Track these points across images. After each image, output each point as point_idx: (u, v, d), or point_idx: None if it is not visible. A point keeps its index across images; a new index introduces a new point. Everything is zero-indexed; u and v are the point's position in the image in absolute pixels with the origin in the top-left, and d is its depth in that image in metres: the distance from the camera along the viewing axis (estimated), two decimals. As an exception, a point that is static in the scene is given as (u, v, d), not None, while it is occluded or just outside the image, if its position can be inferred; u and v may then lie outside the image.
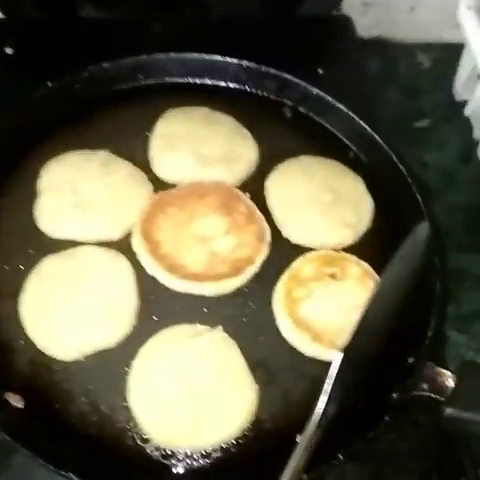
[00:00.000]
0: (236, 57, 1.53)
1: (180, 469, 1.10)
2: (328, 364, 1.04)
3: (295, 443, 1.11)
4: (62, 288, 1.21)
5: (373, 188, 1.42)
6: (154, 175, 1.39)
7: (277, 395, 1.17)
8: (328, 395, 1.01)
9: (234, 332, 1.20)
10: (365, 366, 1.07)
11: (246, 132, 1.46)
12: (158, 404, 1.12)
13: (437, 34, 1.92)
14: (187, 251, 1.27)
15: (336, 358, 1.03)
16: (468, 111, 1.76)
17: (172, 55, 1.53)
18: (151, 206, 1.31)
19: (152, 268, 1.25)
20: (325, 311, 1.22)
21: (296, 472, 0.97)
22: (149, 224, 1.29)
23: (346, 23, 1.89)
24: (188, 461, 1.11)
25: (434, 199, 1.58)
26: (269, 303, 1.25)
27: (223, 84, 1.55)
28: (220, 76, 1.54)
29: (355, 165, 1.45)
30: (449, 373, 1.10)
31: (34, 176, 1.35)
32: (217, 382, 1.14)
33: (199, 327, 1.20)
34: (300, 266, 1.27)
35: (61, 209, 1.30)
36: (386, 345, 1.10)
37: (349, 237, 1.34)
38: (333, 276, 1.26)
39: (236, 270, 1.26)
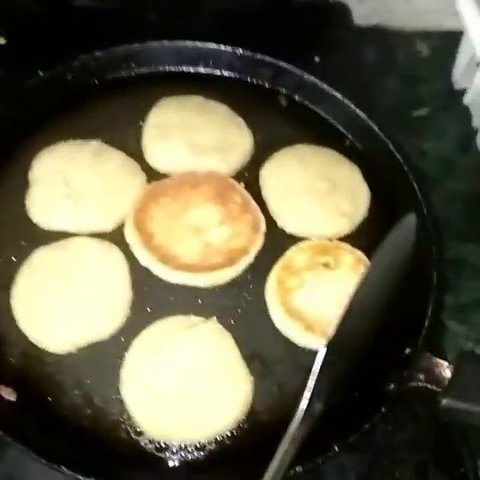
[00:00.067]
0: (231, 45, 1.51)
1: (175, 462, 1.09)
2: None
3: None
4: (54, 280, 1.20)
5: (369, 177, 1.40)
6: (147, 165, 1.37)
7: (272, 387, 1.16)
8: (311, 392, 1.00)
9: (229, 323, 1.20)
10: (353, 359, 1.06)
11: (241, 121, 1.44)
12: (152, 396, 1.11)
13: (436, 22, 1.91)
14: (181, 242, 1.25)
15: (319, 352, 1.02)
16: (467, 99, 1.75)
17: (165, 43, 1.51)
18: (144, 196, 1.30)
19: (145, 259, 1.24)
20: (318, 301, 1.21)
21: (280, 470, 0.96)
22: (142, 214, 1.27)
23: (343, 11, 1.88)
24: (182, 454, 1.10)
25: (433, 188, 1.57)
26: (264, 294, 1.24)
27: (217, 72, 1.53)
28: (214, 64, 1.52)
29: (351, 154, 1.44)
30: (446, 363, 1.09)
31: (26, 167, 1.33)
32: (212, 374, 1.13)
33: (193, 318, 1.19)
34: (293, 255, 1.26)
35: (53, 200, 1.28)
36: (377, 338, 1.08)
37: (345, 226, 1.32)
38: (326, 265, 1.25)
39: (231, 261, 1.24)
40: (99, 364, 1.15)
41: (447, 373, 1.07)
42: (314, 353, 1.15)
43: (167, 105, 1.44)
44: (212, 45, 1.51)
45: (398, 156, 1.37)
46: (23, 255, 1.23)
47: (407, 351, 1.15)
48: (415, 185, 1.33)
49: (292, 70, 1.49)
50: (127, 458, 1.09)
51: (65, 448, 1.07)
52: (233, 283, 1.25)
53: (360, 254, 1.27)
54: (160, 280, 1.23)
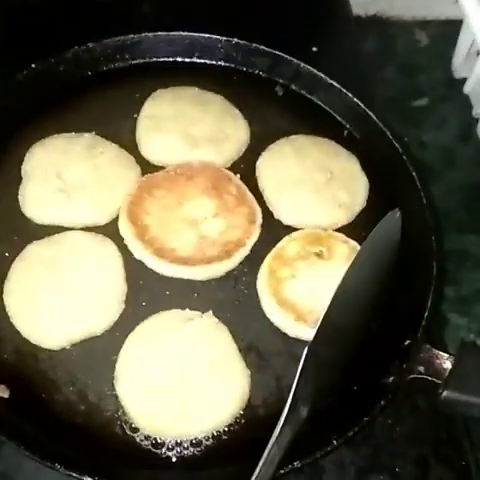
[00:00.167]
0: (227, 36, 1.50)
1: (171, 458, 1.08)
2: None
3: None
4: (48, 275, 1.19)
5: (368, 167, 1.39)
6: (142, 157, 1.36)
7: (270, 380, 1.15)
8: (293, 396, 1.00)
9: (225, 317, 1.18)
10: (343, 358, 1.05)
11: (236, 112, 1.43)
12: (147, 392, 1.10)
13: (435, 11, 1.91)
14: (176, 234, 1.24)
15: (302, 357, 1.01)
16: (467, 88, 1.73)
17: (160, 34, 1.49)
18: (138, 189, 1.28)
19: (140, 252, 1.23)
20: (311, 291, 1.19)
21: (266, 475, 0.96)
22: (136, 207, 1.26)
23: (341, 0, 1.85)
24: (179, 450, 1.09)
25: (433, 179, 1.56)
26: (259, 286, 1.23)
27: (213, 63, 1.52)
28: (209, 55, 1.51)
29: (349, 143, 1.42)
30: (446, 355, 1.08)
31: (18, 160, 1.32)
32: (208, 368, 1.12)
33: (189, 312, 1.18)
34: (285, 245, 1.25)
35: (46, 194, 1.27)
36: (371, 333, 1.08)
37: (343, 217, 1.31)
38: (319, 255, 1.24)
39: (226, 253, 1.23)
40: (93, 360, 1.14)
41: (447, 365, 1.07)
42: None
43: (162, 97, 1.43)
44: (207, 35, 1.50)
45: (397, 145, 1.36)
46: (16, 250, 1.22)
47: (407, 343, 1.13)
48: (414, 174, 1.31)
49: (288, 59, 1.48)
50: (122, 455, 1.08)
51: (59, 445, 1.06)
52: (229, 276, 1.24)
53: (354, 244, 1.25)
54: (155, 273, 1.22)
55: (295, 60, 1.47)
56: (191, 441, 1.09)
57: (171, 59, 1.52)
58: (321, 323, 1.06)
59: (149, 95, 1.43)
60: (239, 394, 1.11)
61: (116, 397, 1.11)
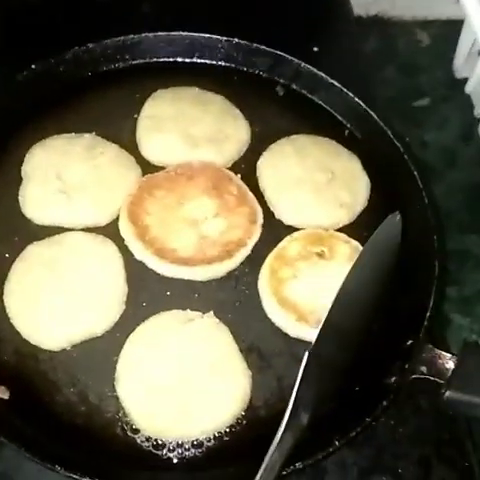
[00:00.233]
0: (227, 36, 1.49)
1: (172, 460, 1.07)
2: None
3: None
4: (48, 276, 1.18)
5: (369, 166, 1.38)
6: (142, 158, 1.36)
7: (271, 381, 1.15)
8: (294, 402, 0.98)
9: (226, 317, 1.18)
10: (345, 362, 1.04)
11: (237, 112, 1.42)
12: (148, 393, 1.09)
13: (436, 11, 1.90)
14: (176, 235, 1.24)
15: (303, 359, 1.00)
16: (468, 88, 1.73)
17: (160, 34, 1.49)
18: (138, 189, 1.28)
19: (140, 253, 1.22)
20: (312, 291, 1.19)
21: None
22: (136, 208, 1.25)
23: (342, 0, 1.85)
24: (180, 451, 1.08)
25: (434, 179, 1.56)
26: (260, 286, 1.23)
27: (213, 63, 1.51)
28: (210, 55, 1.50)
29: (350, 143, 1.42)
30: (449, 355, 1.07)
31: (18, 161, 1.32)
32: (209, 369, 1.11)
33: (190, 313, 1.18)
34: (286, 245, 1.24)
35: (46, 195, 1.27)
36: (373, 334, 1.06)
37: (344, 217, 1.31)
38: (321, 255, 1.23)
39: (227, 253, 1.22)
40: (94, 361, 1.14)
41: (450, 365, 1.06)
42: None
43: (162, 97, 1.43)
44: (207, 35, 1.49)
45: (398, 144, 1.35)
46: (16, 251, 1.21)
47: (409, 343, 1.13)
48: (416, 173, 1.30)
49: (289, 59, 1.47)
50: (123, 456, 1.07)
51: (60, 447, 1.05)
52: (230, 276, 1.23)
53: (356, 244, 1.25)
54: (155, 274, 1.22)
55: (296, 60, 1.47)
56: (192, 442, 1.08)
57: (171, 59, 1.51)
58: (323, 326, 1.05)
59: (149, 95, 1.43)
60: (240, 395, 1.11)
61: (117, 398, 1.10)
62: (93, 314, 1.16)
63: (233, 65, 1.51)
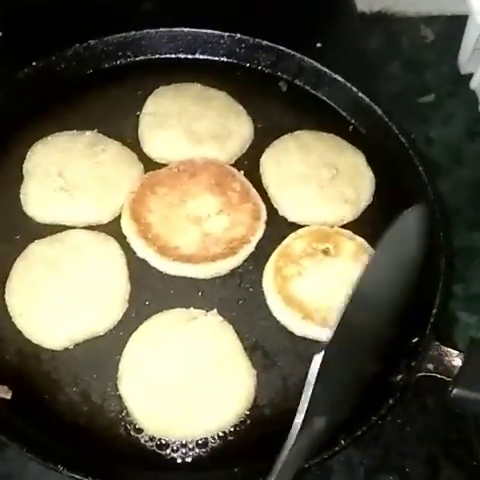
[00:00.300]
0: (230, 32, 1.48)
1: (176, 459, 1.06)
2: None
3: None
4: (50, 274, 1.17)
5: (373, 162, 1.37)
6: (144, 155, 1.35)
7: (276, 379, 1.14)
8: (307, 406, 0.88)
9: (230, 315, 1.17)
10: (361, 361, 0.98)
11: (240, 108, 1.42)
12: (151, 392, 1.08)
13: (440, 6, 1.89)
14: (179, 232, 1.23)
15: (312, 367, 0.90)
16: (474, 84, 1.72)
17: (162, 30, 1.48)
18: (140, 187, 1.27)
19: (143, 251, 1.21)
20: (318, 288, 1.18)
21: None
22: (139, 205, 1.25)
23: (346, -4, 1.85)
24: (184, 451, 1.07)
25: (440, 175, 1.54)
26: (265, 284, 1.22)
27: (215, 59, 1.50)
28: (212, 51, 1.50)
29: (354, 139, 1.41)
30: (456, 352, 1.07)
31: (20, 159, 1.31)
32: (213, 367, 1.10)
33: (193, 311, 1.17)
34: (291, 242, 1.23)
35: (48, 193, 1.26)
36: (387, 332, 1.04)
37: (349, 213, 1.30)
38: (326, 252, 1.22)
39: (231, 251, 1.21)
40: (96, 360, 1.13)
41: (457, 362, 1.05)
42: (318, 344, 1.13)
43: (164, 93, 1.42)
44: (209, 31, 1.48)
45: (403, 139, 1.34)
46: (18, 249, 1.21)
47: (415, 340, 1.12)
48: (421, 169, 1.29)
49: (292, 54, 1.46)
50: (126, 456, 1.06)
51: (62, 447, 1.05)
52: (234, 274, 1.23)
53: (361, 241, 1.24)
54: (158, 272, 1.21)
55: (298, 55, 1.46)
56: (196, 442, 1.07)
57: (173, 56, 1.51)
58: (338, 324, 1.01)
59: (151, 92, 1.42)
60: (244, 394, 1.10)
61: (120, 397, 1.09)
62: (95, 313, 1.15)
63: (236, 61, 1.50)
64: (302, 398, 0.89)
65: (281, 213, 1.29)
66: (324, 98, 1.47)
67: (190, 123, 1.36)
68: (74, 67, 1.44)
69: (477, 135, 1.66)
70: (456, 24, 1.74)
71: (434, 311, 1.14)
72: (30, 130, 1.34)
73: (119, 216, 1.25)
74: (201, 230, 1.23)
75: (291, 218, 1.29)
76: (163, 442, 1.07)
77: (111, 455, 1.06)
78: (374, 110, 1.39)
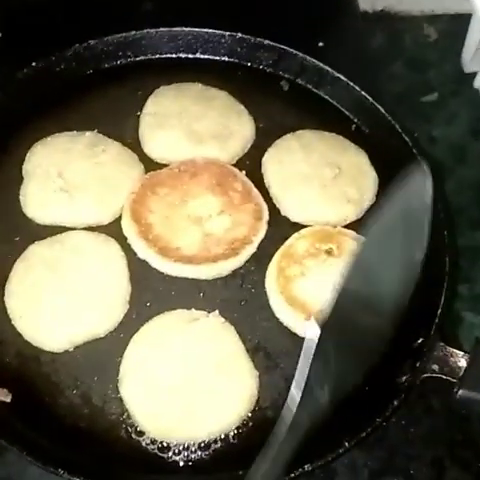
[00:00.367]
0: (231, 31, 1.48)
1: (178, 462, 1.05)
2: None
3: None
4: (50, 276, 1.17)
5: (376, 161, 1.36)
6: (145, 155, 1.34)
7: (278, 381, 1.13)
8: (305, 383, 0.86)
9: (232, 316, 1.16)
10: (362, 343, 0.93)
11: (241, 107, 1.41)
12: (152, 394, 1.08)
13: (443, 5, 1.88)
14: (180, 233, 1.22)
15: (311, 331, 0.86)
16: (477, 83, 1.72)
17: (162, 30, 1.48)
18: (141, 187, 1.26)
19: (144, 252, 1.20)
20: (321, 289, 1.16)
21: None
22: (139, 206, 1.24)
23: (347, -4, 1.84)
24: (186, 453, 1.06)
25: (444, 175, 1.53)
26: (267, 284, 1.21)
27: (216, 58, 1.50)
28: (213, 50, 1.49)
29: (357, 138, 1.40)
30: (461, 353, 1.06)
31: (20, 160, 1.30)
32: (215, 369, 1.10)
33: (195, 312, 1.16)
34: (293, 243, 1.22)
35: (47, 194, 1.25)
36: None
37: (352, 213, 1.29)
38: (329, 252, 1.21)
39: (232, 251, 1.21)
40: (97, 362, 1.12)
41: (462, 363, 1.05)
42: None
43: (165, 93, 1.41)
44: (210, 30, 1.48)
45: (406, 138, 1.34)
46: (18, 251, 1.20)
47: (420, 341, 1.11)
48: (425, 168, 1.28)
49: (293, 53, 1.46)
50: (128, 459, 1.05)
51: (63, 450, 1.04)
52: (236, 274, 1.22)
53: (364, 240, 1.22)
54: (159, 273, 1.20)
55: (300, 54, 1.45)
56: (199, 444, 1.06)
57: (174, 55, 1.50)
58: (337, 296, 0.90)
59: (152, 92, 1.41)
60: (247, 396, 1.09)
61: (121, 400, 1.09)
62: (96, 314, 1.14)
63: (237, 60, 1.49)
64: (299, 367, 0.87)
65: (283, 213, 1.29)
66: (326, 97, 1.46)
67: (191, 123, 1.35)
68: (74, 67, 1.43)
69: (481, 134, 1.65)
70: (459, 23, 1.73)
71: (439, 311, 1.13)
72: (30, 131, 1.34)
73: (120, 217, 1.25)
74: (202, 231, 1.22)
75: (293, 218, 1.28)
76: (165, 445, 1.06)
77: (112, 458, 1.05)
78: (377, 109, 1.38)
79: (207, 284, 1.20)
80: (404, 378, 1.07)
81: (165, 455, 1.06)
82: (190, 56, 1.50)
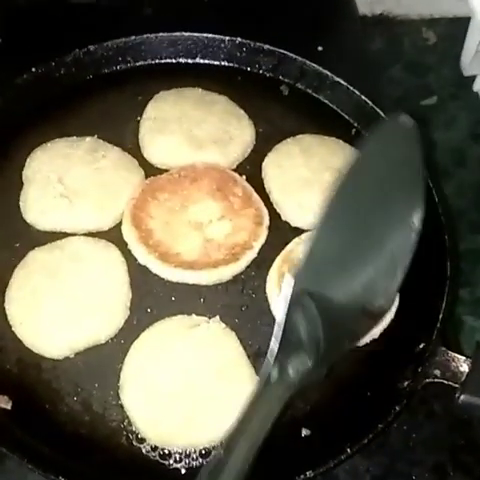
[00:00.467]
0: (230, 36, 1.48)
1: (180, 470, 1.05)
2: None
3: (300, 437, 1.06)
4: (50, 282, 1.16)
5: (377, 166, 1.35)
6: (145, 160, 1.34)
7: (280, 387, 1.12)
8: (276, 342, 0.88)
9: (232, 322, 1.16)
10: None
11: (241, 112, 1.40)
12: (153, 401, 1.07)
13: (442, 8, 1.89)
14: (181, 238, 1.21)
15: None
16: (476, 86, 1.73)
17: (162, 35, 1.47)
18: (141, 192, 1.26)
19: (144, 257, 1.20)
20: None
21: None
22: (139, 212, 1.23)
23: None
24: (187, 461, 1.05)
25: (444, 178, 1.54)
26: (268, 290, 1.20)
27: (216, 63, 1.49)
28: (213, 55, 1.49)
29: (357, 142, 1.37)
30: (463, 358, 1.06)
31: (19, 166, 1.30)
32: (216, 375, 1.09)
33: (195, 318, 1.15)
34: (294, 248, 1.21)
35: (47, 199, 1.24)
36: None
37: (352, 218, 1.27)
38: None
39: (233, 256, 1.20)
40: (98, 369, 1.12)
41: (464, 367, 1.04)
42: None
43: (165, 98, 1.41)
44: (210, 35, 1.48)
45: (406, 142, 1.32)
46: (18, 257, 1.19)
47: (421, 346, 1.11)
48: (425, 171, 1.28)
49: (293, 58, 1.45)
50: (128, 466, 1.04)
51: (63, 457, 1.03)
52: (236, 280, 1.21)
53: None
54: (160, 279, 1.19)
55: (300, 58, 1.45)
56: (200, 451, 1.06)
57: (174, 60, 1.50)
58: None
59: (152, 97, 1.41)
60: (248, 402, 1.08)
61: (121, 407, 1.08)
62: (96, 321, 1.13)
63: (237, 65, 1.49)
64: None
65: (284, 218, 1.28)
66: (326, 102, 1.45)
67: (191, 128, 1.35)
68: (74, 73, 1.43)
69: (480, 137, 1.66)
70: (458, 26, 1.74)
71: (440, 316, 1.12)
72: (30, 136, 1.33)
73: (120, 223, 1.24)
74: (203, 236, 1.22)
75: (294, 223, 1.27)
76: (166, 452, 1.05)
77: (113, 465, 1.04)
78: (377, 113, 1.37)
79: (208, 290, 1.19)
80: (406, 383, 1.07)
81: (166, 462, 1.05)
82: (190, 61, 1.50)
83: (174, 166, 1.31)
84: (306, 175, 1.31)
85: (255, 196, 1.28)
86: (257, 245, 1.22)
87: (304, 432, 1.07)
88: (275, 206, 1.29)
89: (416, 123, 1.40)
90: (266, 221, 1.26)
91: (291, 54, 1.46)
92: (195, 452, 1.05)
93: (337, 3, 1.84)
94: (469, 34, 1.68)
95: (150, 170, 1.32)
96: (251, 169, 1.34)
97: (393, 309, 1.14)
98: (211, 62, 1.49)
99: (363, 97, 1.40)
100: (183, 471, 1.04)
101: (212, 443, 1.05)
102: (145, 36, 1.47)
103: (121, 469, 1.04)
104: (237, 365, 1.11)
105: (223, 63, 1.49)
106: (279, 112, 1.43)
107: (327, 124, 1.42)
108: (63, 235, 1.22)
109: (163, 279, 1.19)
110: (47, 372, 1.11)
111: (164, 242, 1.20)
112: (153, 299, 1.18)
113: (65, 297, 1.14)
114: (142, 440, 1.06)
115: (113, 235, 1.23)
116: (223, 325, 1.14)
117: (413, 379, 1.06)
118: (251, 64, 1.48)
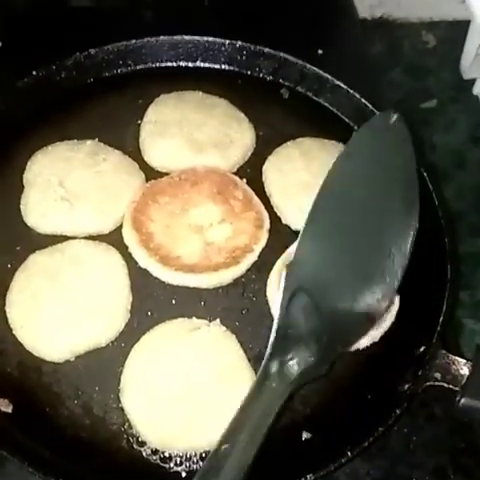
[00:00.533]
0: (231, 39, 1.48)
1: (181, 473, 1.05)
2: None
3: (301, 441, 1.06)
4: (51, 285, 1.16)
5: (377, 169, 1.35)
6: (146, 164, 1.34)
7: (280, 390, 1.12)
8: (274, 336, 0.89)
9: (233, 325, 1.16)
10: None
11: (242, 115, 1.40)
12: (154, 404, 1.07)
13: (442, 12, 1.90)
14: (181, 242, 1.21)
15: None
16: (477, 89, 1.73)
17: (162, 38, 1.47)
18: (142, 196, 1.26)
19: (145, 261, 1.20)
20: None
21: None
22: (140, 215, 1.23)
23: (346, 3, 1.84)
24: (188, 464, 1.05)
25: (444, 182, 1.54)
26: (268, 293, 1.20)
27: (217, 67, 1.50)
28: (213, 58, 1.49)
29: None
30: (463, 361, 1.06)
31: (20, 169, 1.30)
32: (216, 378, 1.09)
33: (196, 321, 1.15)
34: (295, 251, 1.21)
35: (48, 203, 1.24)
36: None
37: (352, 221, 1.27)
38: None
39: (233, 260, 1.20)
40: (98, 372, 1.12)
41: (464, 371, 1.04)
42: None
43: (165, 102, 1.41)
44: (210, 39, 1.48)
45: (406, 145, 1.32)
46: (18, 260, 1.19)
47: (422, 349, 1.11)
48: (425, 175, 1.28)
49: (293, 61, 1.45)
50: (129, 470, 1.04)
51: (64, 460, 1.03)
52: (237, 283, 1.21)
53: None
54: (160, 282, 1.19)
55: (300, 62, 1.45)
56: (200, 455, 1.06)
57: (174, 64, 1.50)
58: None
59: (152, 100, 1.41)
60: (248, 405, 1.08)
61: (122, 410, 1.08)
62: (97, 324, 1.13)
63: (237, 68, 1.49)
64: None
65: (284, 221, 1.28)
66: (326, 105, 1.46)
67: (191, 131, 1.35)
68: (74, 76, 1.43)
69: (480, 140, 1.66)
70: (458, 29, 1.75)
71: (441, 319, 1.12)
72: (30, 139, 1.33)
73: (120, 226, 1.24)
74: (203, 239, 1.22)
75: (295, 226, 1.27)
76: (167, 455, 1.05)
77: (113, 469, 1.04)
78: (377, 116, 1.37)
79: (208, 293, 1.19)
80: (406, 386, 1.07)
81: (167, 465, 1.05)
82: (190, 64, 1.50)
83: (175, 169, 1.31)
84: (306, 178, 1.31)
85: (255, 199, 1.28)
86: (258, 248, 1.22)
87: (304, 435, 1.07)
88: (275, 209, 1.29)
89: (413, 124, 1.42)
90: (266, 224, 1.26)
91: (291, 57, 1.46)
92: (196, 455, 1.05)
93: (337, 6, 1.85)
94: (469, 37, 1.68)
95: (151, 173, 1.32)
96: (251, 172, 1.34)
97: (393, 312, 1.14)
98: (211, 65, 1.49)
99: (363, 100, 1.40)
100: (184, 474, 1.04)
101: (212, 446, 1.05)
102: (146, 39, 1.47)
103: (121, 472, 1.04)
104: (237, 368, 1.11)
105: (223, 66, 1.49)
106: (279, 115, 1.44)
107: (327, 127, 1.41)
108: (64, 238, 1.22)
109: (164, 282, 1.19)
110: (48, 375, 1.11)
111: (165, 245, 1.20)
112: (154, 302, 1.18)
113: (66, 300, 1.14)
114: (142, 443, 1.06)
115: (114, 238, 1.23)
116: (223, 328, 1.14)
117: (413, 382, 1.06)
118: (251, 67, 1.48)
